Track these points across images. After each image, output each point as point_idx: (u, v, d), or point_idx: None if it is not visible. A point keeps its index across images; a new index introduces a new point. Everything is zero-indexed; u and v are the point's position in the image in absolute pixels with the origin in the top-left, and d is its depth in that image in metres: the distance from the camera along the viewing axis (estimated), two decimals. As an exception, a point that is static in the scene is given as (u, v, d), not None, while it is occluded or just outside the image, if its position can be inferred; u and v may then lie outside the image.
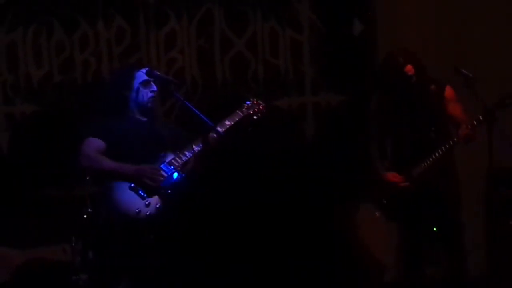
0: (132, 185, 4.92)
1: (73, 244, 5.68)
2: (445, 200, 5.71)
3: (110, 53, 6.83)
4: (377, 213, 5.89)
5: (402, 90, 5.70)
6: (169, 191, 4.88)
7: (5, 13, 6.63)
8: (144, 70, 5.15)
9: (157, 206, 4.85)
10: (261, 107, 5.33)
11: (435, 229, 5.76)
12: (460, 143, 5.57)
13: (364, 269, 6.53)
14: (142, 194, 4.89)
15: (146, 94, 5.13)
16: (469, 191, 6.09)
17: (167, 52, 6.86)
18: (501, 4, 6.93)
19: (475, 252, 6.27)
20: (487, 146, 5.37)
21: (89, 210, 5.61)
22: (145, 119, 5.16)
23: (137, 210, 4.85)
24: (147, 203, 4.87)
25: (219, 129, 5.08)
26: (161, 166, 5.00)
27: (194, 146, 5.03)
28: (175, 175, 4.96)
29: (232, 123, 5.18)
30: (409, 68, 5.66)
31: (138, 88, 5.12)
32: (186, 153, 5.05)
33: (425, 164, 5.64)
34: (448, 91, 5.71)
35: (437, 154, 5.62)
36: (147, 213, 4.83)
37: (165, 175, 4.95)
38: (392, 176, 5.74)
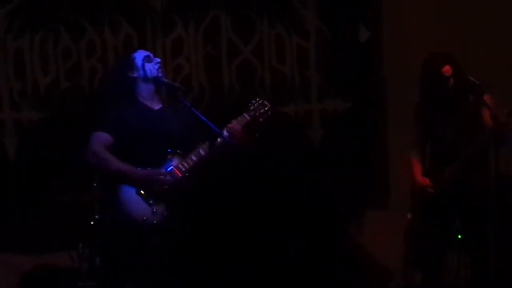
0: (140, 191, 4.93)
1: (80, 250, 5.67)
2: (476, 202, 5.65)
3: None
4: (409, 215, 5.85)
5: (440, 92, 5.66)
6: (175, 197, 4.88)
7: (12, 20, 6.64)
8: (140, 51, 5.21)
9: (164, 214, 4.84)
10: (266, 108, 5.31)
11: (459, 236, 5.73)
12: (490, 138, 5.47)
13: (371, 275, 6.53)
14: (149, 201, 4.89)
15: (153, 67, 5.13)
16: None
17: (174, 59, 6.87)
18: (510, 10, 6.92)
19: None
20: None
21: (96, 216, 5.61)
22: (155, 107, 5.15)
23: (144, 218, 4.85)
24: (154, 210, 4.87)
25: (225, 134, 5.06)
26: (167, 170, 4.99)
27: (200, 151, 5.03)
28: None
29: (240, 126, 5.17)
30: (447, 69, 5.59)
31: (143, 65, 5.12)
32: (193, 157, 5.04)
33: (456, 164, 5.60)
34: (487, 98, 5.66)
35: (467, 154, 5.57)
36: (154, 222, 4.84)
37: (172, 181, 4.94)
38: (423, 181, 5.73)
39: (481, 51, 6.78)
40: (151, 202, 4.89)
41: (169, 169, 4.99)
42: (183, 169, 4.99)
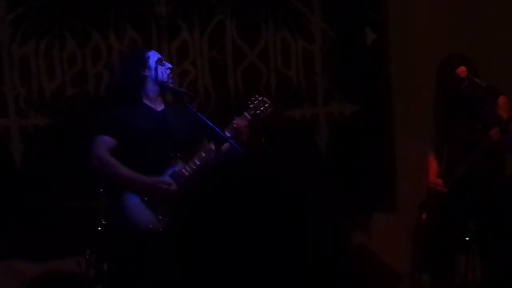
0: (145, 198, 4.92)
1: (87, 256, 5.67)
2: (488, 202, 5.63)
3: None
4: (423, 215, 5.83)
5: (455, 93, 5.65)
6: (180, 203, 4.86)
7: (18, 26, 6.64)
8: (153, 51, 5.19)
9: (170, 222, 4.82)
10: (267, 105, 5.24)
11: (467, 238, 5.71)
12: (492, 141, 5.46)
13: (379, 278, 6.51)
14: (154, 208, 4.88)
15: (164, 71, 5.13)
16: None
17: (180, 64, 6.86)
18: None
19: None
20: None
21: (103, 222, 5.61)
22: (158, 109, 5.14)
23: (150, 226, 4.84)
24: (159, 218, 4.86)
25: (231, 132, 5.04)
26: (171, 174, 4.98)
27: (204, 154, 5.01)
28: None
29: (246, 123, 5.13)
30: (461, 70, 5.59)
31: (156, 67, 5.10)
32: (196, 161, 5.02)
33: (466, 163, 5.58)
34: (502, 100, 5.62)
35: (476, 153, 5.55)
36: (160, 229, 4.82)
37: (176, 190, 4.92)
38: (436, 181, 5.73)
39: (490, 53, 6.76)
40: (156, 210, 4.88)
41: (172, 173, 4.98)
42: (187, 173, 4.98)
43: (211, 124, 4.97)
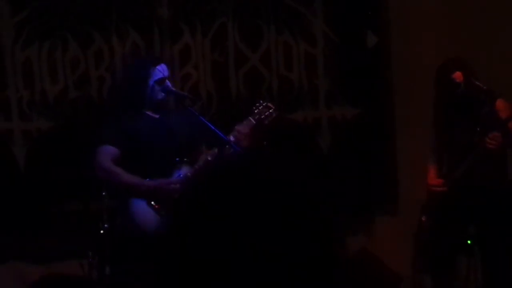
0: (151, 202, 4.93)
1: (90, 259, 5.68)
2: (489, 204, 5.63)
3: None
4: (423, 218, 5.84)
5: (451, 98, 5.66)
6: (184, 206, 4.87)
7: (21, 30, 6.65)
8: (160, 68, 5.17)
9: (170, 222, 4.83)
10: (271, 110, 5.27)
11: (469, 242, 5.72)
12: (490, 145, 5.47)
13: (380, 280, 6.52)
14: (161, 212, 4.89)
15: (160, 93, 5.14)
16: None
17: (182, 67, 6.87)
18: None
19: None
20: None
21: (106, 225, 5.62)
22: (157, 115, 5.16)
23: (155, 229, 4.85)
24: (164, 220, 4.88)
25: (233, 138, 5.05)
26: (177, 178, 4.99)
27: (209, 158, 5.03)
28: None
29: (248, 130, 5.15)
30: (457, 75, 5.60)
31: (153, 86, 5.12)
32: (202, 165, 5.04)
33: (465, 164, 5.59)
34: (499, 104, 5.63)
35: (474, 155, 5.56)
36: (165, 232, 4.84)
37: (181, 189, 4.94)
38: (436, 181, 5.74)
39: (490, 56, 6.77)
40: (162, 213, 4.89)
41: (177, 178, 5.00)
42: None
43: (213, 128, 4.99)
